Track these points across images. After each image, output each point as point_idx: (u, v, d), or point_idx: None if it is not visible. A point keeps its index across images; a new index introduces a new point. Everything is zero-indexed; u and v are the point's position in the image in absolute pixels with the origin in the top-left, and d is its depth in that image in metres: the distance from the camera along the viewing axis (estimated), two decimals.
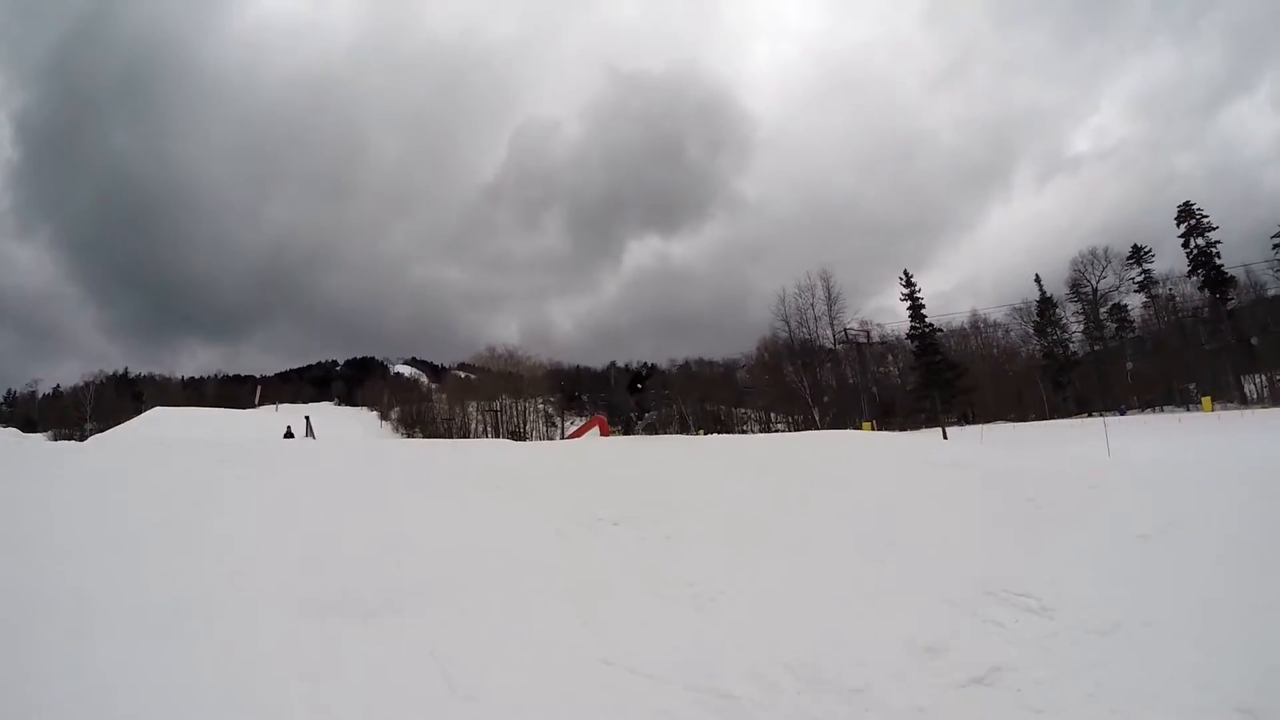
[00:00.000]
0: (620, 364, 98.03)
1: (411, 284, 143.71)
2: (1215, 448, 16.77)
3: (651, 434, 61.13)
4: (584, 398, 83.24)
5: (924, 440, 16.70)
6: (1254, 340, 50.54)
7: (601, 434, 26.67)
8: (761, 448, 13.01)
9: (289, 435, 28.45)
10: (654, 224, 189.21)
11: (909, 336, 51.74)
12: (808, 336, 56.18)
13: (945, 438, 33.17)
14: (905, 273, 51.40)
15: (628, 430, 66.36)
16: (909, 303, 50.85)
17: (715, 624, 4.51)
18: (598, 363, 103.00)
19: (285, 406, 78.24)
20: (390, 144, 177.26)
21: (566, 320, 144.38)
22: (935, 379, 47.87)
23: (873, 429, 41.07)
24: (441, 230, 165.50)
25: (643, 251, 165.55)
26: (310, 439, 28.31)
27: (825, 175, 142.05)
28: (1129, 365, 53.37)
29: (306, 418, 38.00)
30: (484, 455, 11.57)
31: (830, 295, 54.91)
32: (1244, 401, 47.22)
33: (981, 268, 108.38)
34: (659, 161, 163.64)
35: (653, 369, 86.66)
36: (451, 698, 3.47)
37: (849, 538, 6.15)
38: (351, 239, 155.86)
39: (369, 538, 5.85)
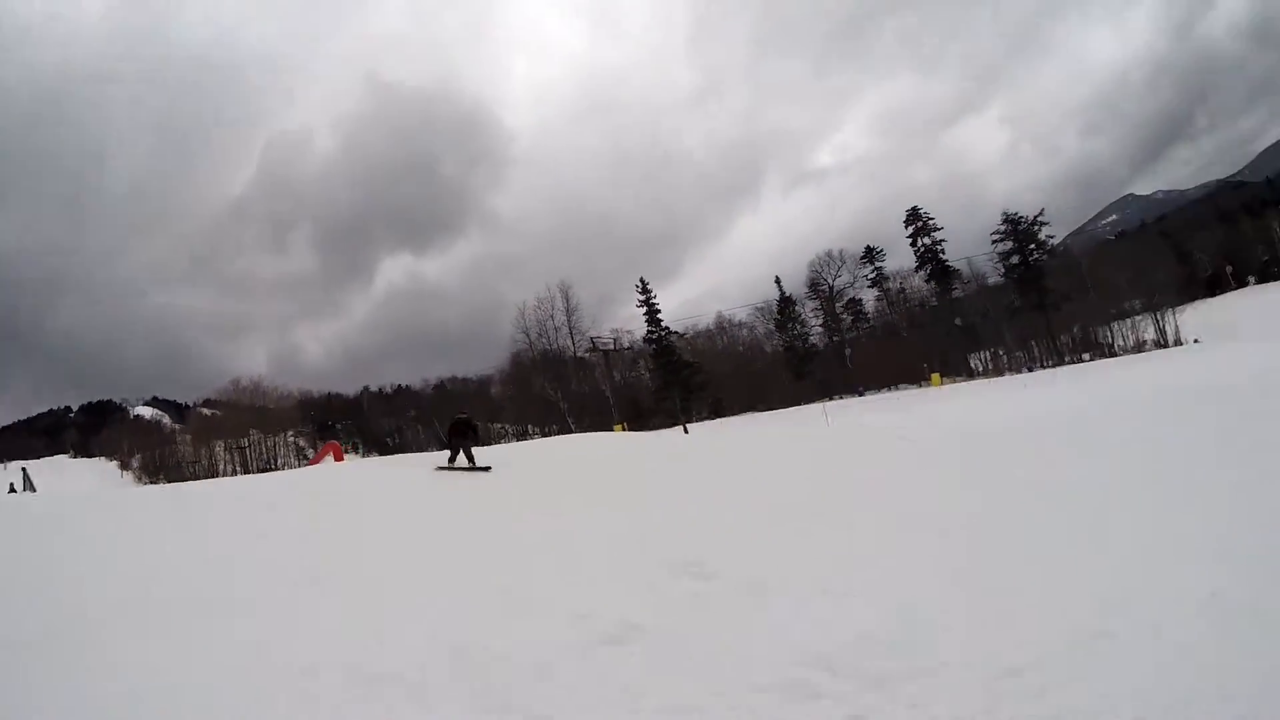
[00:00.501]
0: (374, 388, 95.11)
1: (151, 314, 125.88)
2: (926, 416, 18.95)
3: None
4: (338, 426, 76.43)
5: (666, 436, 19.22)
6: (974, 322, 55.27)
7: (336, 460, 27.21)
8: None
9: (11, 491, 26.37)
10: (406, 241, 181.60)
11: (646, 340, 55.06)
12: (548, 347, 57.51)
13: (686, 432, 33.82)
14: (641, 280, 54.82)
15: (383, 452, 61.35)
16: (645, 309, 54.59)
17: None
18: (350, 388, 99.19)
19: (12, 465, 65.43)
20: (131, 157, 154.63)
21: (316, 346, 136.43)
22: (673, 378, 51.29)
23: (624, 429, 40.68)
24: (183, 252, 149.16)
25: (395, 270, 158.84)
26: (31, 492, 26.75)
27: (581, 190, 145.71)
28: (848, 352, 59.30)
29: (23, 469, 36.65)
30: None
31: (569, 306, 56.32)
32: (970, 375, 51.05)
33: (730, 274, 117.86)
34: (413, 175, 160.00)
35: (406, 390, 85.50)
36: None
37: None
38: (87, 266, 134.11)
39: None
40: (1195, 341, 41.04)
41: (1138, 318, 48.58)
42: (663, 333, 54.52)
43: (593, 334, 53.02)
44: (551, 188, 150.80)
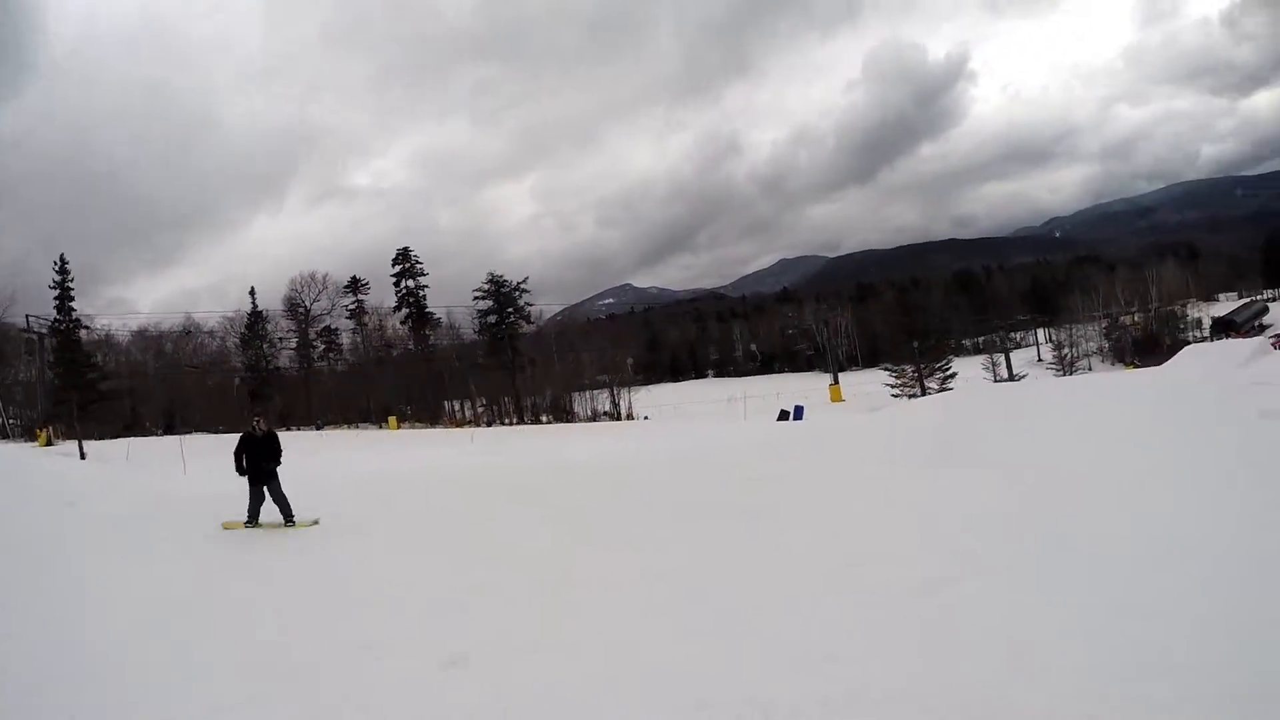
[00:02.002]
0: None
1: None
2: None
3: None
4: None
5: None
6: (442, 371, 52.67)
7: None
8: None
9: None
10: None
11: (52, 329, 43.80)
12: None
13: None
14: (61, 258, 45.79)
15: None
16: (58, 291, 45.16)
17: None
18: None
19: None
20: None
21: None
22: (75, 379, 42.40)
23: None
24: None
25: None
26: None
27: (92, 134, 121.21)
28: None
29: None
30: None
31: None
32: (433, 423, 47.21)
33: (236, 270, 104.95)
34: None
35: None
36: None
37: None
38: None
39: None
40: (645, 418, 44.28)
41: (599, 391, 50.85)
42: (73, 322, 45.56)
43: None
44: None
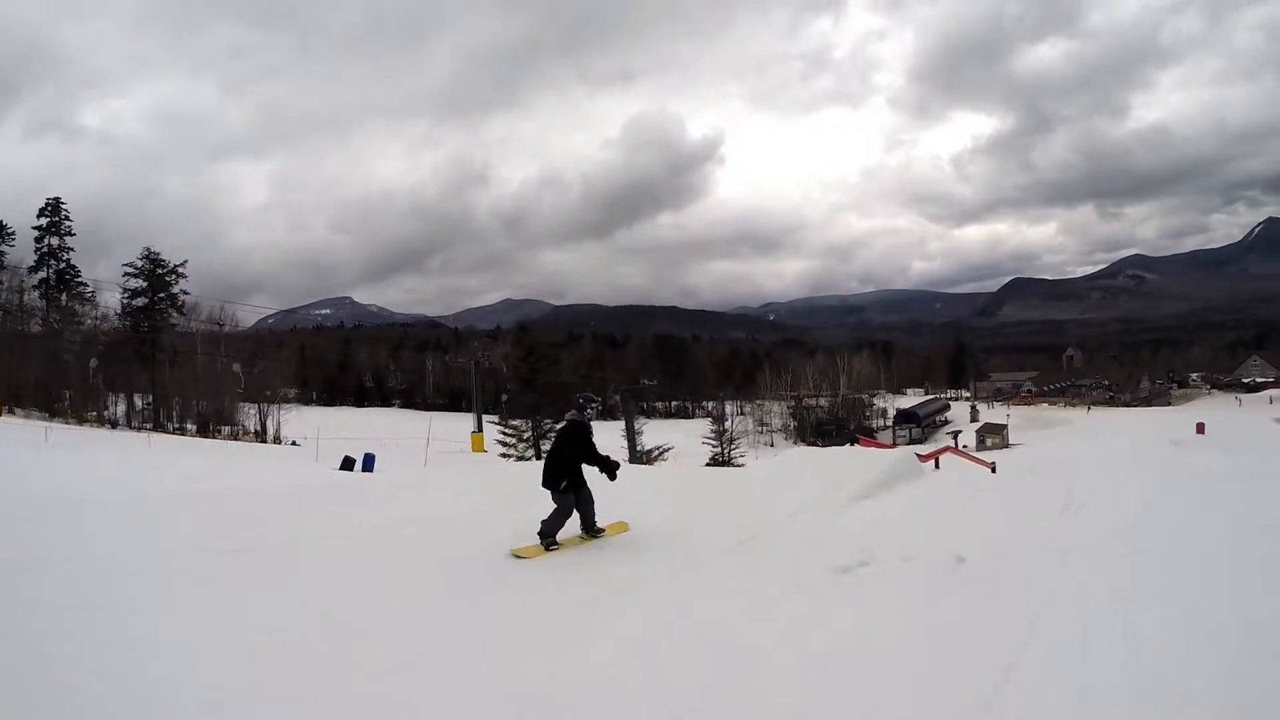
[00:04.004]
0: None
1: None
2: None
3: None
4: None
5: None
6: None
7: None
8: None
9: None
10: None
11: None
12: None
13: None
14: None
15: None
16: None
17: None
18: None
19: None
20: None
21: None
22: None
23: None
24: None
25: None
26: None
27: None
28: None
29: None
30: None
31: None
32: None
33: None
34: None
35: None
36: None
37: None
38: None
39: None
40: (294, 443, 42.05)
41: (249, 406, 47.76)
42: None
43: None
44: None
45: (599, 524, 6.97)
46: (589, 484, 6.83)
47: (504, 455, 37.85)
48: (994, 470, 17.59)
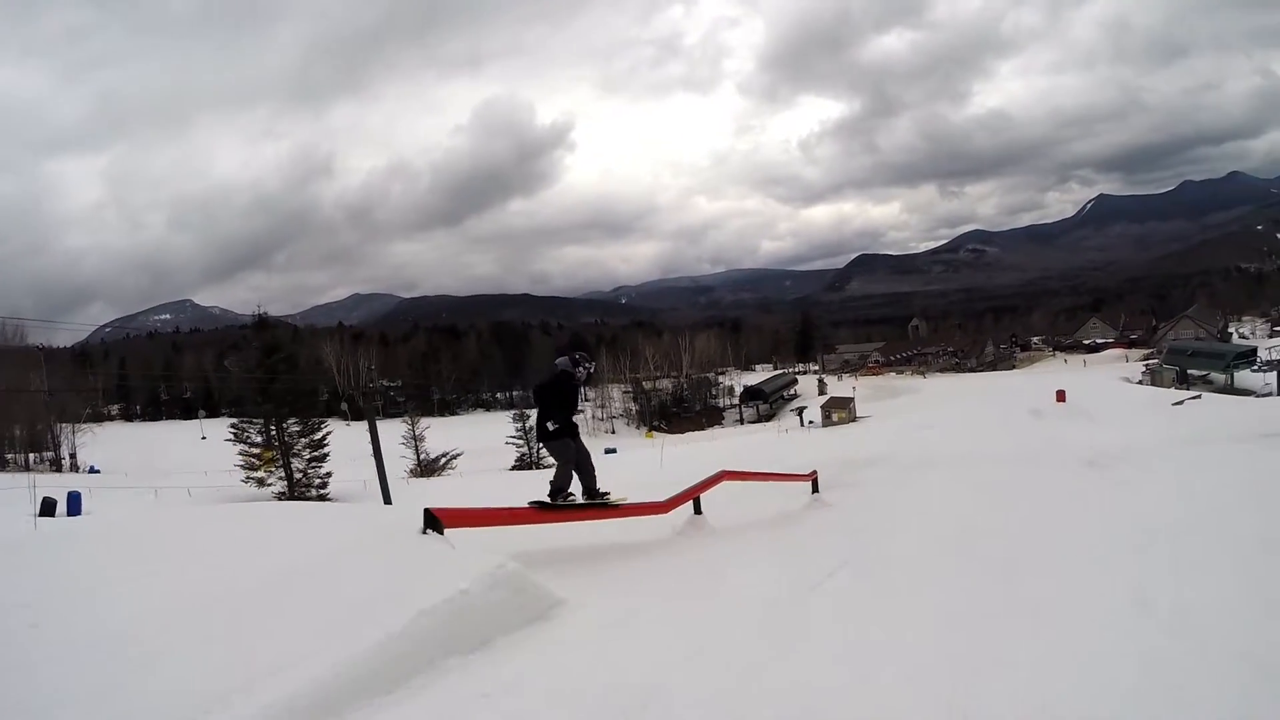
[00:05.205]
0: None
1: None
2: None
3: None
4: None
5: None
6: None
7: None
8: None
9: None
10: None
11: None
12: None
13: None
14: None
15: None
16: None
17: None
18: None
19: None
20: None
21: None
22: None
23: None
24: None
25: None
26: None
27: None
28: None
29: None
30: None
31: None
32: None
33: None
34: None
35: None
36: None
37: None
38: None
39: None
40: (93, 469, 43.56)
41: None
42: None
43: None
44: None
45: (601, 488, 6.47)
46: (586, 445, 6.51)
47: (247, 480, 32.81)
48: (815, 487, 10.15)
